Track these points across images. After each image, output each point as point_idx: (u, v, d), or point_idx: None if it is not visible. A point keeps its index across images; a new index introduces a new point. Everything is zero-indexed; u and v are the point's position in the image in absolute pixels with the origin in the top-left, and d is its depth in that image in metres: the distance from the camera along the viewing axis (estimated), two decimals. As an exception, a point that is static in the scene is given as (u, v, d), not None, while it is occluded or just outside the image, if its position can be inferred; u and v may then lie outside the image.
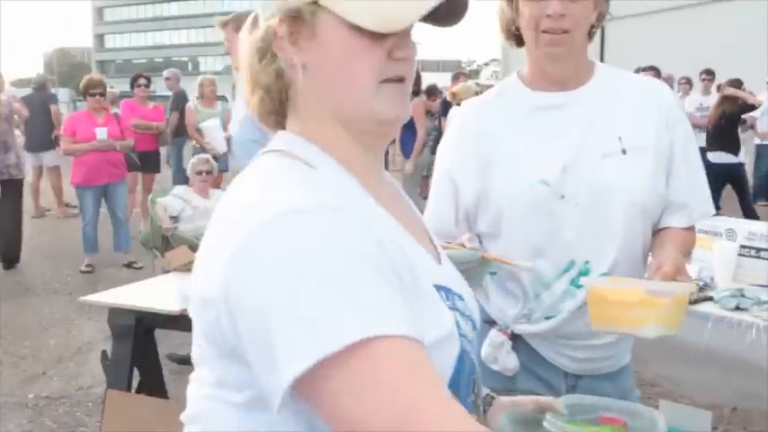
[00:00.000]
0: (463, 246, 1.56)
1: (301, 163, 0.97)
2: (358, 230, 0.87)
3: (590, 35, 1.77)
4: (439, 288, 1.00)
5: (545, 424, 1.25)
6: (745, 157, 12.64)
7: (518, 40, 1.80)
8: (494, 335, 1.79)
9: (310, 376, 0.79)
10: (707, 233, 3.18)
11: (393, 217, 1.01)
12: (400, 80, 1.00)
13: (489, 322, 1.82)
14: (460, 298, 1.06)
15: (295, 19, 0.98)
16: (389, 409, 0.78)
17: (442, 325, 0.96)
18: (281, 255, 0.83)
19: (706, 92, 10.34)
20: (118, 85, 15.22)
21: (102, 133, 7.10)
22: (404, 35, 0.98)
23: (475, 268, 1.55)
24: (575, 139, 1.74)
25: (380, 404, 0.78)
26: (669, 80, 11.31)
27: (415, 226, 1.11)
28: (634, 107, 1.78)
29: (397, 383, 0.79)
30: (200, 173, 5.79)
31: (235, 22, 6.02)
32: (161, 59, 75.08)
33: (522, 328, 1.80)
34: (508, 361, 1.78)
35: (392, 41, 0.97)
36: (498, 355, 1.78)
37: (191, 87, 9.18)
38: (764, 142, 11.04)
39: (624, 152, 1.73)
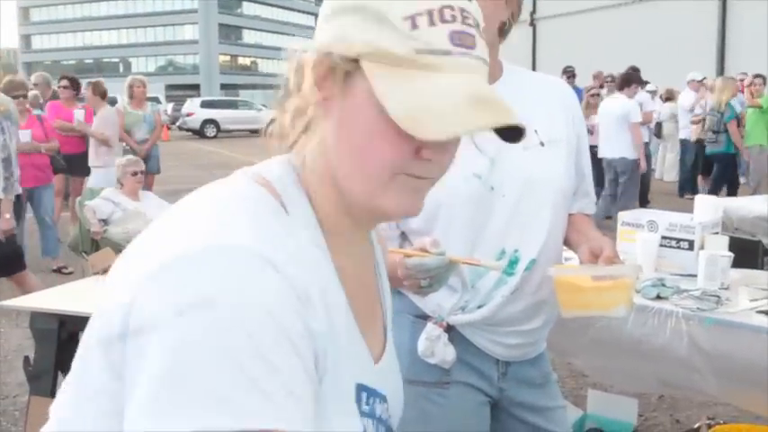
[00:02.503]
0: (426, 251, 1.57)
1: (277, 204, 0.88)
2: (292, 299, 0.78)
3: (503, 33, 1.82)
4: (361, 388, 0.91)
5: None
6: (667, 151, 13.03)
7: None
8: (430, 328, 1.81)
9: None
10: (630, 225, 3.26)
11: (346, 296, 0.91)
12: (420, 177, 0.90)
13: (422, 317, 1.84)
14: (383, 400, 0.97)
15: (331, 69, 0.88)
16: None
17: (346, 429, 0.88)
18: (202, 292, 0.74)
19: (633, 88, 10.57)
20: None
21: (24, 136, 6.92)
22: None
23: (442, 273, 1.57)
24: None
25: None
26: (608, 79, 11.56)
27: (370, 310, 1.02)
28: (543, 103, 1.87)
29: None
30: (135, 174, 5.69)
31: None
32: (91, 60, 73.61)
33: (456, 319, 1.83)
34: (446, 353, 1.81)
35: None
36: (435, 348, 1.81)
37: (121, 89, 9.01)
38: (688, 137, 11.35)
39: (542, 144, 1.82)
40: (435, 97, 0.83)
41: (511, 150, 1.83)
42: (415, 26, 0.84)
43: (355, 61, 0.86)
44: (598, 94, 10.11)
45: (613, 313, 1.70)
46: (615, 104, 8.76)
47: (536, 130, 1.82)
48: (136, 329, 0.76)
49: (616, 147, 8.65)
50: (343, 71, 0.87)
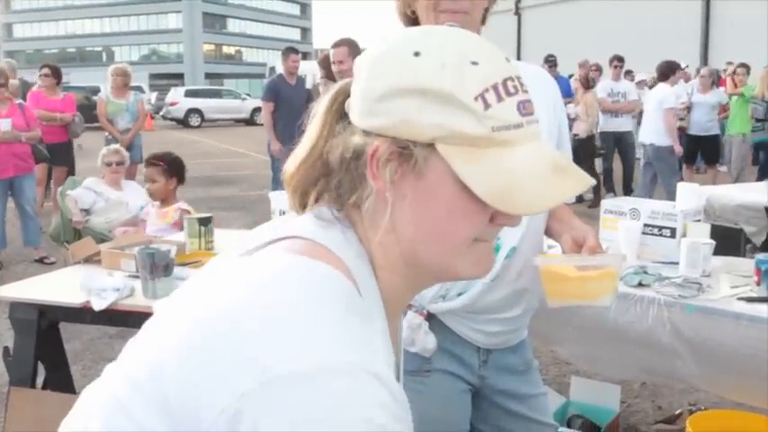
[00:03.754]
0: None
1: (353, 288, 0.86)
2: (393, 412, 0.79)
3: (484, 21, 1.82)
4: None
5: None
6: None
7: (414, 23, 1.81)
8: (411, 317, 1.81)
9: None
10: (612, 213, 3.27)
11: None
12: (488, 241, 0.93)
13: None
14: None
15: (403, 156, 0.86)
16: None
17: None
18: (316, 419, 0.74)
19: (616, 77, 10.61)
20: (29, 77, 14.73)
21: (5, 125, 6.85)
22: None
23: None
24: None
25: None
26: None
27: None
28: None
29: None
30: (109, 164, 5.65)
31: (349, 46, 6.11)
32: (74, 49, 73.07)
33: (437, 307, 1.82)
34: (427, 341, 1.81)
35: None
36: (416, 336, 1.81)
37: (104, 78, 8.93)
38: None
39: None
40: (520, 172, 0.84)
41: None
42: (487, 105, 0.84)
43: (429, 145, 0.85)
44: (588, 81, 10.14)
45: (599, 303, 1.70)
46: (655, 92, 9.04)
47: None
48: None
49: (649, 133, 8.85)
50: (421, 157, 0.85)
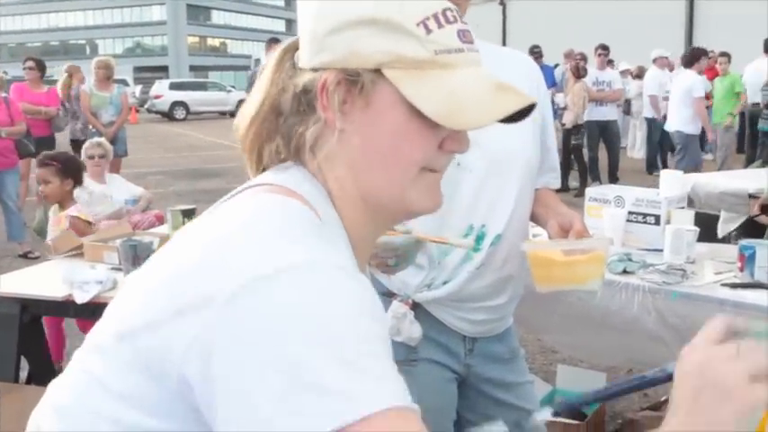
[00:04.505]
0: (392, 229, 1.56)
1: (313, 214, 0.89)
2: (369, 295, 0.82)
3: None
4: None
5: None
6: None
7: None
8: (396, 306, 1.81)
9: None
10: (597, 201, 3.27)
11: None
12: (437, 170, 0.95)
13: (388, 295, 1.83)
14: None
15: (351, 83, 0.90)
16: None
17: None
18: (293, 310, 0.74)
19: (601, 66, 10.62)
20: (12, 71, 14.62)
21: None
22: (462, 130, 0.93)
23: (409, 251, 1.56)
24: None
25: None
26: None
27: None
28: (509, 78, 1.84)
29: None
30: (91, 157, 5.60)
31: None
32: (57, 42, 72.50)
33: (422, 296, 1.82)
34: (412, 331, 1.81)
35: (448, 131, 0.91)
36: (401, 326, 1.80)
37: (88, 71, 8.87)
38: (653, 116, 11.44)
39: None
40: (465, 91, 0.89)
41: (492, 129, 1.83)
42: (428, 30, 0.89)
43: (376, 71, 0.89)
44: (578, 71, 10.14)
45: (588, 286, 1.71)
46: (682, 79, 9.08)
47: None
48: (229, 354, 0.74)
49: (676, 120, 8.90)
50: (370, 81, 0.89)
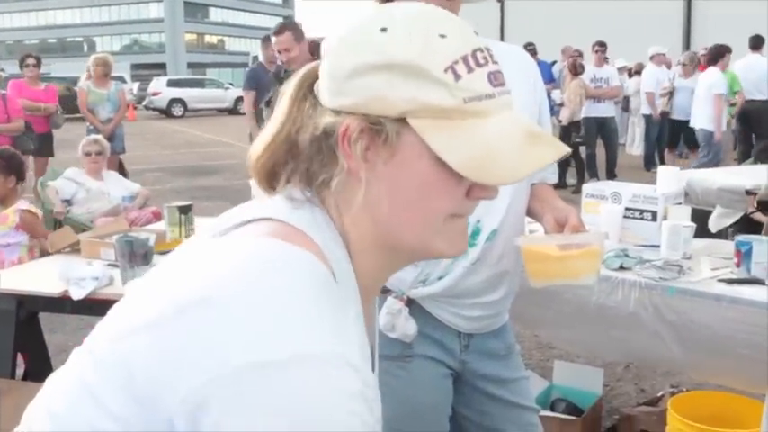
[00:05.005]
0: None
1: (328, 272, 0.84)
2: (367, 402, 0.78)
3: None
4: None
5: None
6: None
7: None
8: (391, 303, 1.80)
9: None
10: (594, 197, 3.27)
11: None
12: (465, 215, 0.92)
13: (383, 291, 1.82)
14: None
15: (375, 132, 0.85)
16: None
17: None
18: (290, 405, 0.72)
19: (599, 63, 10.61)
20: (9, 68, 14.57)
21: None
22: None
23: None
24: None
25: None
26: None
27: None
28: (505, 72, 1.84)
29: None
30: (88, 154, 5.60)
31: (293, 31, 5.57)
32: (54, 40, 72.37)
33: (417, 292, 1.82)
34: (407, 327, 1.80)
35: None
36: (396, 322, 1.80)
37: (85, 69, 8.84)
38: (650, 113, 11.44)
39: None
40: (495, 142, 0.84)
41: None
42: (457, 76, 0.83)
43: (400, 120, 0.84)
44: (575, 68, 10.13)
45: (582, 281, 1.70)
46: (705, 77, 9.10)
47: None
48: (220, 423, 0.73)
49: (700, 118, 8.92)
50: (395, 132, 0.84)
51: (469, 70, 0.84)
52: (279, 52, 5.81)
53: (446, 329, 1.88)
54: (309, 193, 0.90)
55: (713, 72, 8.94)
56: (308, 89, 0.91)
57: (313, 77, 0.92)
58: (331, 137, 0.86)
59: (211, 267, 0.83)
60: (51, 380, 0.89)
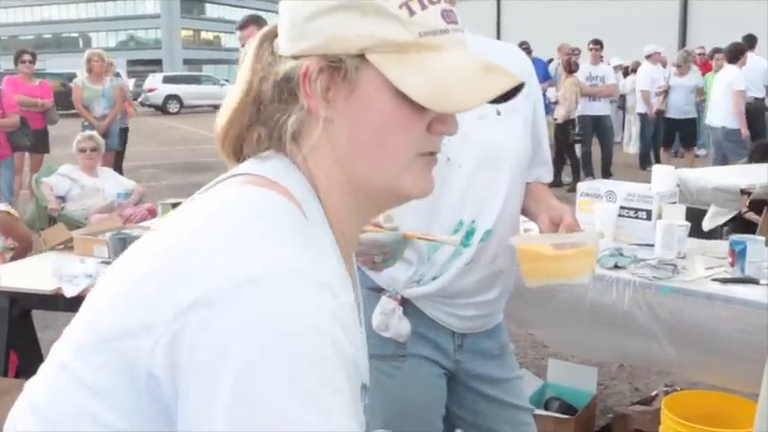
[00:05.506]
0: (379, 226, 1.55)
1: (298, 210, 0.86)
2: (343, 323, 0.78)
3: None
4: (363, 386, 0.91)
5: None
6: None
7: None
8: (384, 302, 1.80)
9: None
10: (589, 195, 3.27)
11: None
12: (432, 154, 0.93)
13: (376, 290, 1.82)
14: (366, 389, 0.96)
15: (334, 70, 0.87)
16: None
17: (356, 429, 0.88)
18: (259, 323, 0.73)
19: (595, 61, 10.61)
20: (4, 63, 14.54)
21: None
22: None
23: (396, 248, 1.55)
24: None
25: None
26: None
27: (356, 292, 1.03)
28: None
29: None
30: (83, 150, 5.58)
31: (257, 24, 5.52)
32: (50, 35, 72.18)
33: (411, 292, 1.81)
34: (401, 327, 1.80)
35: (435, 114, 0.89)
36: (390, 321, 1.80)
37: (81, 64, 8.81)
38: (645, 111, 11.45)
39: (499, 113, 1.79)
40: (451, 72, 0.87)
41: (467, 120, 1.82)
42: (411, 12, 0.87)
43: (359, 57, 0.87)
44: (570, 65, 10.12)
45: (577, 281, 1.70)
46: (725, 74, 8.99)
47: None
48: (193, 361, 0.73)
49: (719, 116, 8.80)
50: (354, 67, 0.87)
51: (423, 7, 0.88)
52: (243, 46, 5.71)
53: (440, 329, 1.88)
54: (273, 151, 0.93)
55: (732, 70, 8.87)
56: (268, 46, 0.94)
57: (272, 36, 0.95)
58: (292, 80, 0.89)
59: (179, 224, 0.85)
60: (29, 383, 0.89)
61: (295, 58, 0.89)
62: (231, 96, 0.95)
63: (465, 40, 0.92)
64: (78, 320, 0.87)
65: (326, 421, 0.72)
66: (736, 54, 9.03)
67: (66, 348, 0.85)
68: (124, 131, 9.34)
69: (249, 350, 0.72)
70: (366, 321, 1.75)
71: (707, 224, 4.83)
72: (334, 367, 0.75)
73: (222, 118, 0.96)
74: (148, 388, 0.76)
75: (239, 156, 0.96)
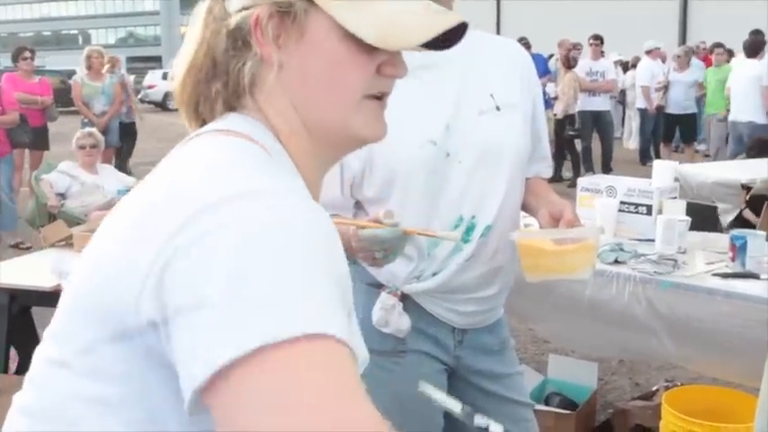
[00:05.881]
0: (379, 221, 1.55)
1: (262, 150, 0.87)
2: (328, 226, 0.80)
3: None
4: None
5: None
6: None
7: None
8: (384, 298, 1.79)
9: (232, 374, 0.67)
10: (589, 191, 3.27)
11: None
12: (381, 97, 0.94)
13: (376, 285, 1.81)
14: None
15: (284, 15, 0.88)
16: (322, 415, 0.68)
17: (362, 351, 0.88)
18: (251, 228, 0.72)
19: (595, 56, 10.59)
20: (3, 61, 14.51)
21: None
22: (397, 51, 0.92)
23: (396, 244, 1.55)
24: (452, 97, 1.77)
25: (313, 408, 0.68)
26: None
27: None
28: (499, 66, 1.85)
29: (335, 390, 0.70)
30: (83, 147, 5.57)
31: None
32: (49, 33, 72.12)
33: (411, 288, 1.81)
34: (400, 323, 1.80)
35: (384, 55, 0.91)
36: (390, 317, 1.79)
37: (80, 61, 8.82)
38: (645, 106, 11.43)
39: (498, 109, 1.78)
40: (397, 13, 0.89)
41: (465, 114, 1.82)
42: None
43: (308, 1, 0.88)
44: (568, 60, 10.11)
45: (578, 276, 1.71)
46: (747, 68, 8.80)
47: (492, 95, 1.79)
48: (183, 276, 0.72)
49: (746, 111, 8.65)
50: (302, 11, 0.88)
51: None
52: None
53: (440, 325, 1.87)
54: (232, 105, 0.93)
55: (755, 64, 8.70)
56: (218, 3, 0.94)
57: None
58: (243, 29, 0.90)
59: (149, 188, 0.84)
60: (17, 394, 0.88)
61: (246, 9, 0.90)
62: (184, 53, 0.95)
63: None
64: (58, 312, 0.87)
65: (315, 307, 0.72)
66: (755, 48, 8.86)
67: (46, 342, 0.86)
68: (131, 126, 9.35)
69: (239, 254, 0.71)
70: (365, 317, 1.76)
71: (725, 218, 4.84)
72: (328, 271, 0.76)
73: (178, 76, 0.95)
74: (146, 344, 0.75)
75: (199, 118, 0.96)
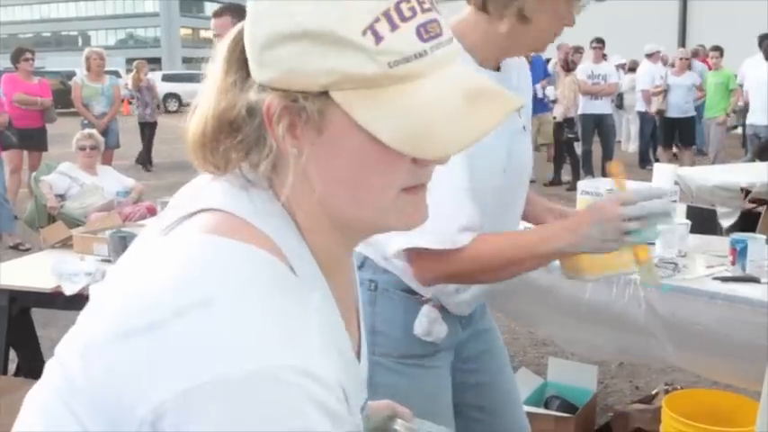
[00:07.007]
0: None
1: (287, 269, 0.77)
2: (332, 414, 0.72)
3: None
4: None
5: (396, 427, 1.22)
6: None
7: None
8: (427, 311, 1.80)
9: None
10: (589, 194, 3.25)
11: (345, 330, 0.86)
12: (418, 186, 0.81)
13: (409, 291, 1.80)
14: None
15: (299, 110, 0.75)
16: None
17: None
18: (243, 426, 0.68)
19: (597, 60, 10.58)
20: (3, 62, 14.52)
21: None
22: None
23: (654, 222, 1.51)
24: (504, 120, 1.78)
25: None
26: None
27: (350, 315, 0.94)
28: (523, 87, 1.88)
29: None
30: (83, 148, 5.57)
31: (232, 14, 5.37)
32: (49, 34, 72.15)
33: (449, 299, 1.82)
34: (440, 331, 1.82)
35: None
36: (432, 328, 1.81)
37: (80, 63, 8.81)
38: (645, 110, 11.44)
39: (524, 128, 1.81)
40: (429, 109, 0.73)
41: (518, 140, 1.84)
42: (378, 38, 0.72)
43: (324, 94, 0.74)
44: (567, 64, 10.11)
45: (632, 270, 1.68)
46: (763, 71, 8.62)
47: (519, 115, 1.80)
48: None
49: (761, 114, 8.49)
50: (314, 111, 0.75)
51: (393, 27, 0.73)
52: (216, 36, 5.60)
53: (451, 318, 1.88)
54: (252, 174, 0.81)
55: None
56: (239, 53, 0.81)
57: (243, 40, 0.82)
58: (257, 115, 0.78)
59: (156, 273, 0.76)
60: (30, 396, 0.85)
61: (261, 87, 0.78)
62: (201, 107, 0.83)
63: (450, 55, 0.77)
64: (71, 344, 0.81)
65: None
66: None
67: (58, 371, 0.80)
68: (153, 125, 9.68)
69: None
70: (403, 323, 1.76)
71: (725, 222, 4.84)
72: None
73: (195, 129, 0.83)
74: None
75: (214, 162, 0.83)
